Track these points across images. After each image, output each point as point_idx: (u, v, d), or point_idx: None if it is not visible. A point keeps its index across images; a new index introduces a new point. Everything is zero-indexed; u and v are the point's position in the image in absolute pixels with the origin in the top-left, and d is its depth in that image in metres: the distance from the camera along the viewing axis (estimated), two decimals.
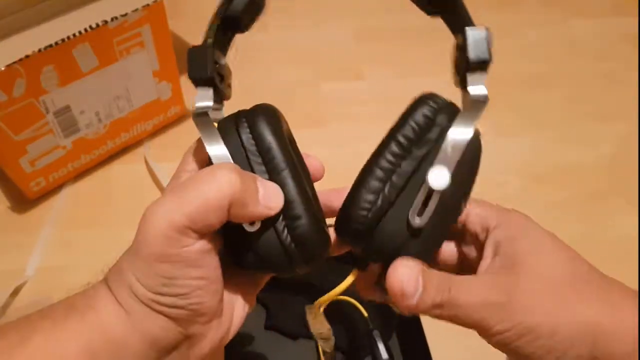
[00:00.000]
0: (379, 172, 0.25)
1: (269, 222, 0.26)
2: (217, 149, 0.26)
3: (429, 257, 0.27)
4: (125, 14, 0.55)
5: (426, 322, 0.49)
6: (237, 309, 0.28)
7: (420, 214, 0.24)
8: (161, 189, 0.64)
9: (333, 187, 0.31)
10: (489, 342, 0.26)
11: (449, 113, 0.26)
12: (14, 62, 0.49)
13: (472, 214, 0.30)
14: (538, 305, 0.25)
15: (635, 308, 0.25)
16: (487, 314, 0.25)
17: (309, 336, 0.51)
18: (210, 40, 0.29)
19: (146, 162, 0.67)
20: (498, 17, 0.89)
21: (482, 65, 0.26)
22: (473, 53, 0.26)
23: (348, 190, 0.27)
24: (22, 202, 0.62)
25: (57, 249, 0.59)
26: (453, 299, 0.25)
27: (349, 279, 0.29)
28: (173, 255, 0.23)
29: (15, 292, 0.55)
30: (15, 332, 0.23)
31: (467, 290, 0.25)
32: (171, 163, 0.66)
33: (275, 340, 0.52)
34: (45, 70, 0.53)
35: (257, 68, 0.80)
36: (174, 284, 0.24)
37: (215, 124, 0.28)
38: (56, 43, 0.51)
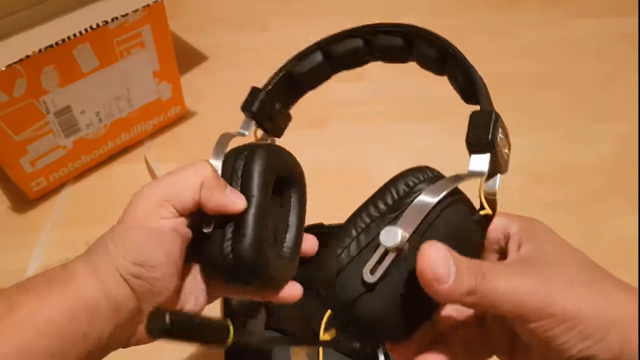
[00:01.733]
0: (351, 230, 0.27)
1: (219, 231, 0.30)
2: (214, 161, 0.32)
3: (398, 321, 0.26)
4: (126, 14, 0.55)
5: None
6: (188, 305, 0.32)
7: (373, 271, 0.25)
8: None
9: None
10: (520, 333, 0.26)
11: (430, 180, 0.27)
12: (15, 62, 0.49)
13: (492, 222, 0.29)
14: (575, 292, 0.24)
15: None
16: (524, 300, 0.24)
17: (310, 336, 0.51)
18: (269, 87, 0.35)
19: (146, 162, 0.67)
20: (498, 17, 0.89)
21: (483, 148, 0.27)
22: (472, 136, 0.27)
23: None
24: (23, 202, 0.62)
25: (58, 249, 0.59)
26: (488, 283, 0.24)
27: (322, 330, 0.30)
28: (149, 224, 0.28)
29: None
30: (1, 305, 0.26)
31: (502, 276, 0.25)
32: (171, 163, 0.67)
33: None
34: (46, 71, 0.53)
35: (257, 68, 0.80)
36: (143, 252, 0.28)
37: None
38: (57, 43, 0.51)
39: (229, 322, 0.26)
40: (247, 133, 0.35)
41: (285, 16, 0.89)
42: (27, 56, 0.50)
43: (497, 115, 0.27)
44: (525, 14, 0.91)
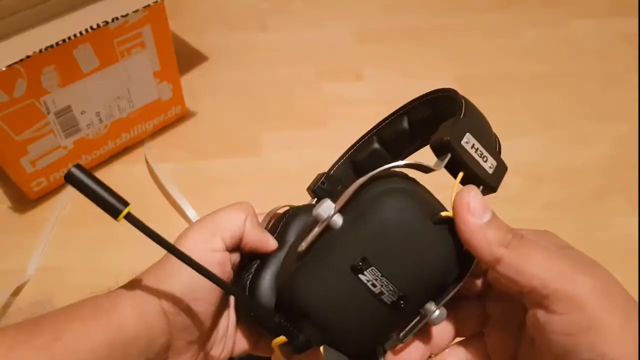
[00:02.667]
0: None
1: (246, 266, 0.31)
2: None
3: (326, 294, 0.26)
4: (126, 15, 0.55)
5: None
6: (215, 350, 0.32)
7: (305, 243, 0.27)
8: (162, 189, 0.64)
9: None
10: (532, 325, 0.24)
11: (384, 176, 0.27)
12: (15, 63, 0.49)
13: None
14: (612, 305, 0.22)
15: None
16: (550, 277, 0.22)
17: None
18: (331, 172, 0.37)
19: (147, 162, 0.67)
20: (498, 17, 0.89)
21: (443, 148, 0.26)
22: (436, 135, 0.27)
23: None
24: (23, 202, 0.62)
25: (58, 249, 0.59)
26: (524, 247, 0.23)
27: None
28: (199, 255, 0.28)
29: (16, 292, 0.55)
30: (48, 330, 0.26)
31: (539, 248, 0.23)
32: (172, 163, 0.67)
33: None
34: (46, 71, 0.53)
35: (257, 68, 0.81)
36: (191, 283, 0.28)
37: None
38: (57, 43, 0.51)
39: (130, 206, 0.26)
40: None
41: (286, 16, 0.89)
42: (28, 56, 0.50)
43: (464, 121, 0.27)
44: (525, 14, 0.91)
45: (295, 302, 0.27)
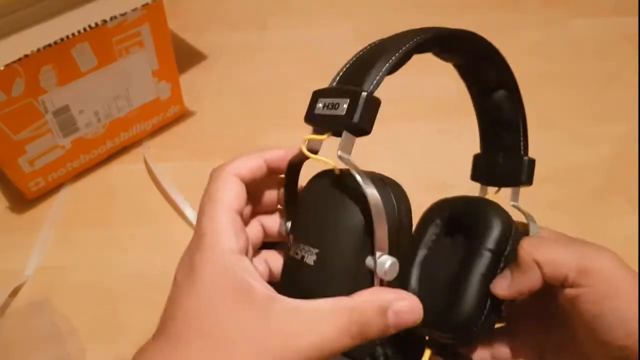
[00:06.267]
0: None
1: None
2: None
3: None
4: (125, 13, 0.55)
5: None
6: None
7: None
8: (160, 188, 0.64)
9: None
10: (567, 297, 0.28)
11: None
12: (13, 62, 0.49)
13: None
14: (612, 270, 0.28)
15: None
16: (574, 260, 0.28)
17: None
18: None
19: (145, 162, 0.67)
20: (498, 17, 0.89)
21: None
22: None
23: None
24: (21, 202, 0.62)
25: (56, 249, 0.59)
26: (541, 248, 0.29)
27: None
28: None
29: (14, 293, 0.54)
30: None
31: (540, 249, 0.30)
32: (170, 163, 0.67)
33: None
34: (44, 70, 0.52)
35: (257, 67, 0.80)
36: None
37: None
38: (55, 42, 0.51)
39: None
40: None
41: (285, 15, 0.89)
42: (26, 55, 0.50)
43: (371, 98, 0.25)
44: (526, 14, 0.91)
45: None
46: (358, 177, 0.25)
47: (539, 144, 0.73)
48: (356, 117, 0.25)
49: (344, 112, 0.25)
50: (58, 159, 0.61)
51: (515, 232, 0.31)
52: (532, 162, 0.36)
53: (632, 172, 0.68)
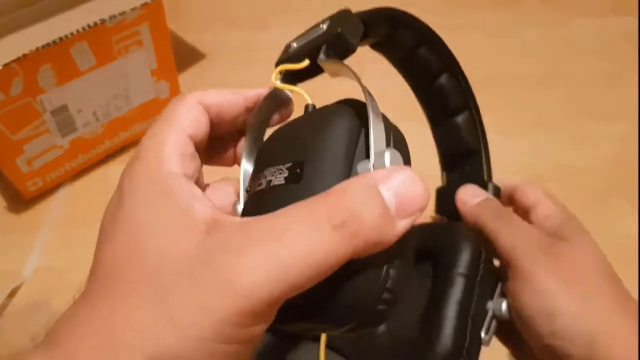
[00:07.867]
0: None
1: None
2: None
3: None
4: (124, 13, 0.55)
5: None
6: None
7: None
8: None
9: None
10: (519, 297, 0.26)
11: None
12: (12, 61, 0.49)
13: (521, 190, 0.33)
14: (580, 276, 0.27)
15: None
16: (532, 255, 0.27)
17: (313, 338, 0.50)
18: None
19: None
20: (498, 17, 0.89)
21: None
22: None
23: None
24: (19, 202, 0.62)
25: (55, 249, 0.58)
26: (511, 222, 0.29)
27: None
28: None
29: (12, 294, 0.54)
30: None
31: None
32: None
33: (278, 340, 0.51)
34: (43, 69, 0.52)
35: (256, 67, 0.80)
36: None
37: None
38: (54, 42, 0.51)
39: None
40: None
41: (285, 15, 0.88)
42: (24, 55, 0.50)
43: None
44: (525, 14, 0.91)
45: None
46: (352, 74, 0.21)
47: (539, 144, 0.74)
48: (340, 29, 0.21)
49: (325, 30, 0.22)
50: (56, 159, 0.61)
51: (485, 255, 0.29)
52: (497, 189, 0.34)
53: (632, 173, 0.68)
